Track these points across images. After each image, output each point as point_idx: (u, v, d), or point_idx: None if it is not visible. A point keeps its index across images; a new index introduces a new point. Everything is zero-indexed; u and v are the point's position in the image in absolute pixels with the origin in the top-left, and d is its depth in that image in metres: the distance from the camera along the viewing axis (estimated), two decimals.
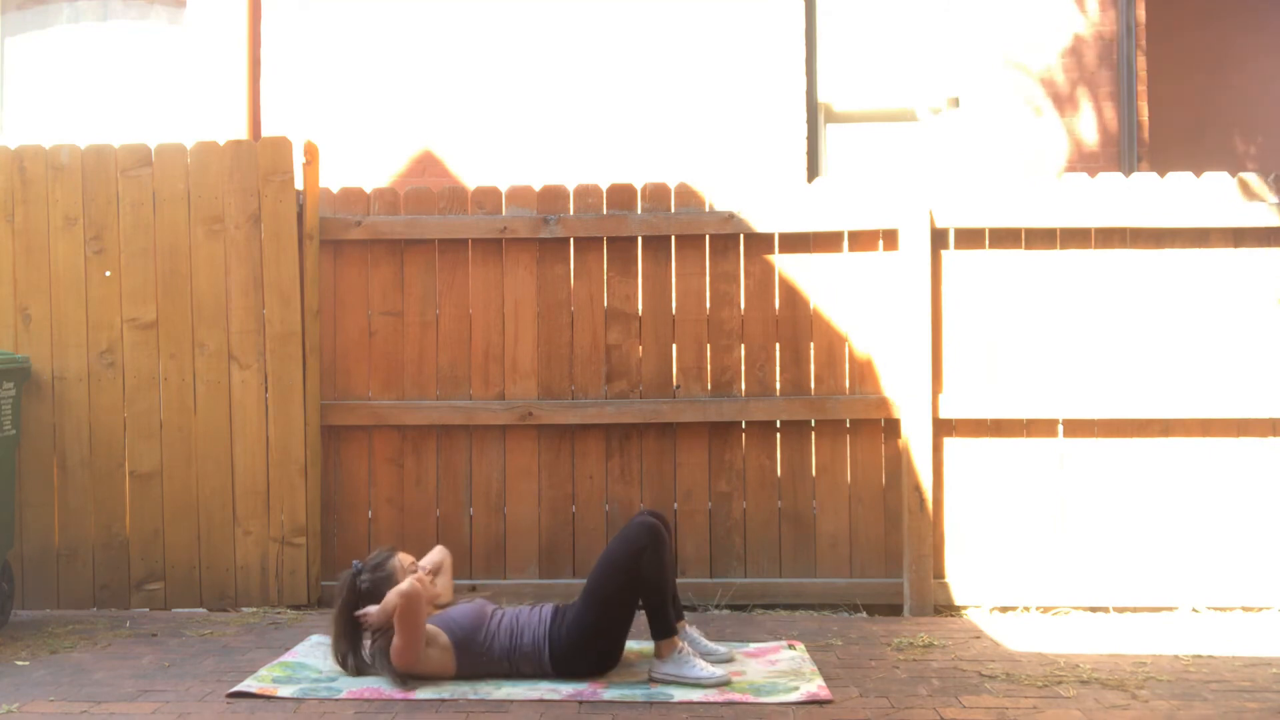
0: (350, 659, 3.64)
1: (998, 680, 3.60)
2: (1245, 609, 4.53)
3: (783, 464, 4.72)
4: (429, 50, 6.78)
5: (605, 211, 4.75)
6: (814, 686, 3.48)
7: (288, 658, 3.85)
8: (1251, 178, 4.62)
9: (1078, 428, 4.63)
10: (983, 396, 4.62)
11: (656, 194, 4.74)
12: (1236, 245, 4.64)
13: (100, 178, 4.74)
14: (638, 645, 3.90)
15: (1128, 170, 6.51)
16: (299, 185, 4.75)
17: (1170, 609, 4.53)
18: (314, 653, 3.93)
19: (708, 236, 4.74)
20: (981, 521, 4.64)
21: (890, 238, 4.69)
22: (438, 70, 6.77)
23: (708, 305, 4.74)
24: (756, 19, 6.69)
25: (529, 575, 4.73)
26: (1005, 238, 4.68)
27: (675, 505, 4.72)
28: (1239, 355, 4.60)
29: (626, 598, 3.56)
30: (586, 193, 4.76)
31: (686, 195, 4.74)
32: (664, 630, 3.57)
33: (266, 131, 6.68)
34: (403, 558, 3.68)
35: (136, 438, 4.70)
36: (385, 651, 3.54)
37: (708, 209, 4.73)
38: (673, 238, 4.74)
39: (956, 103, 6.74)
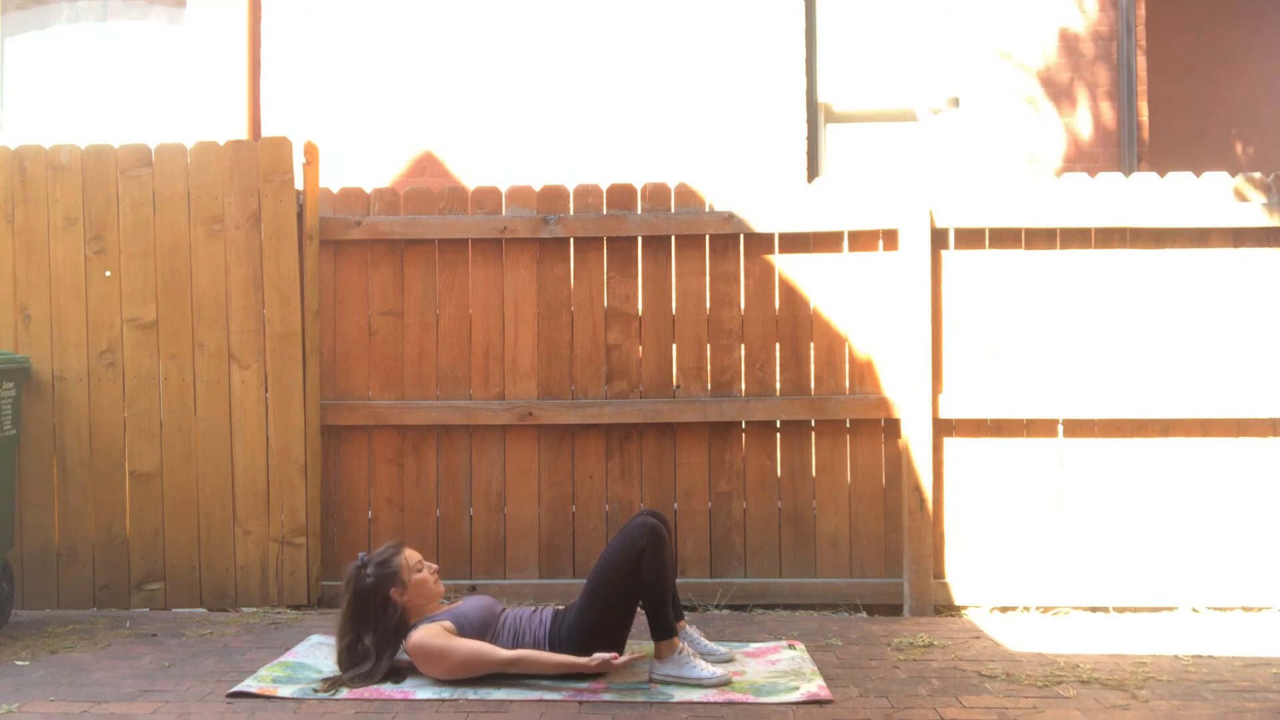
0: (350, 655, 3.57)
1: (998, 680, 3.60)
2: (1245, 609, 4.53)
3: (783, 464, 4.72)
4: (429, 50, 6.79)
5: (605, 211, 4.75)
6: (814, 686, 3.48)
7: (288, 658, 3.85)
8: (1252, 178, 4.62)
9: (1077, 428, 4.63)
10: (983, 396, 4.62)
11: (656, 194, 4.74)
12: (1236, 245, 4.64)
13: (100, 178, 4.74)
14: (637, 645, 3.89)
15: (1127, 170, 6.51)
16: (299, 185, 4.75)
17: (1170, 609, 4.53)
18: (314, 653, 3.93)
19: (708, 236, 4.74)
20: (981, 521, 4.64)
21: (890, 238, 4.69)
22: (438, 70, 6.77)
23: (708, 305, 4.74)
24: (756, 19, 6.69)
25: (529, 575, 4.73)
26: (1005, 238, 4.68)
27: (675, 505, 4.72)
28: (1239, 355, 4.60)
29: (626, 598, 3.56)
30: (586, 193, 4.76)
31: (686, 195, 4.74)
32: (664, 631, 3.57)
33: (266, 131, 6.68)
34: (409, 555, 3.65)
35: (136, 438, 4.71)
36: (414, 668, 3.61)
37: (708, 209, 4.73)
38: (673, 238, 4.74)
39: (956, 103, 6.74)
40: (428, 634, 3.52)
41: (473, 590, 4.62)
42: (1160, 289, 4.64)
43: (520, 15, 6.77)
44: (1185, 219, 4.59)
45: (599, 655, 3.48)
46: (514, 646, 3.58)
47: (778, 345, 4.73)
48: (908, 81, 6.78)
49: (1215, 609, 4.53)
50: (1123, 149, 6.56)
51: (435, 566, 3.72)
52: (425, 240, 4.77)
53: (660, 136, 6.66)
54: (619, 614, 3.57)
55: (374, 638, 3.57)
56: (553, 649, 3.56)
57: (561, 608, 3.72)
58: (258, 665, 3.80)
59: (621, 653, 3.61)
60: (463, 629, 3.55)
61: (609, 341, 4.76)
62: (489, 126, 6.73)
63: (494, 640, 3.59)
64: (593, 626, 3.56)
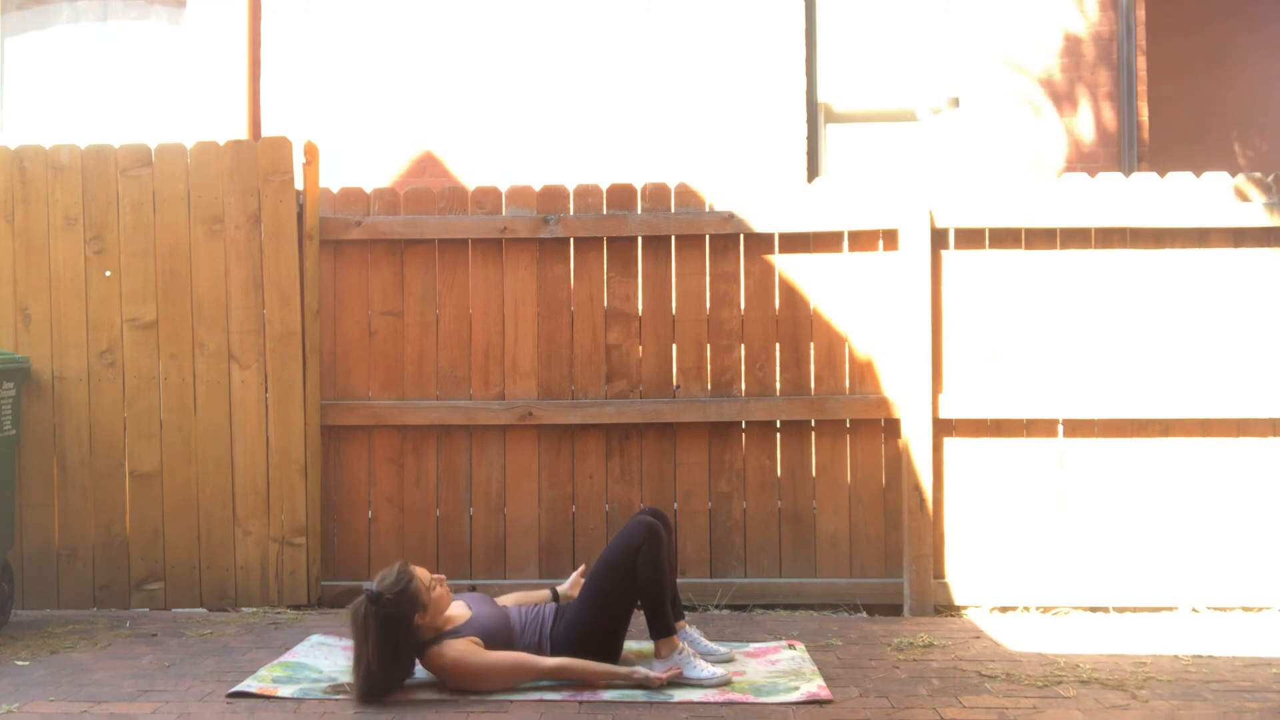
0: (371, 680, 3.38)
1: (998, 680, 3.60)
2: (1245, 609, 4.53)
3: (783, 464, 4.72)
4: (429, 50, 6.79)
5: (605, 211, 4.75)
6: (814, 686, 3.48)
7: (288, 658, 3.85)
8: (1252, 178, 4.62)
9: (1078, 428, 4.63)
10: (983, 396, 4.62)
11: (656, 194, 4.74)
12: (1236, 245, 4.64)
13: (100, 178, 4.74)
14: (637, 645, 3.90)
15: (1127, 170, 6.51)
16: (299, 185, 4.75)
17: (1170, 609, 4.53)
18: (314, 653, 3.93)
19: (708, 236, 4.74)
20: (981, 521, 4.64)
21: (890, 238, 4.69)
22: (438, 70, 6.77)
23: (708, 305, 4.74)
24: (756, 19, 6.69)
25: (529, 575, 4.73)
26: (1005, 238, 4.68)
27: (675, 505, 4.72)
28: (1239, 355, 4.60)
29: (624, 597, 3.56)
30: (586, 193, 4.76)
31: (686, 195, 4.74)
32: (663, 630, 3.56)
33: (266, 131, 6.68)
34: (422, 575, 3.46)
35: (136, 438, 4.70)
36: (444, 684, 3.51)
37: (708, 209, 4.73)
38: (673, 238, 4.74)
39: (956, 103, 6.74)
40: (463, 653, 3.42)
41: (472, 590, 4.61)
42: (1160, 289, 4.64)
43: (520, 15, 6.77)
44: (1185, 219, 4.59)
45: (641, 670, 3.49)
46: (523, 645, 3.57)
47: (778, 345, 4.73)
48: (908, 81, 6.78)
49: (1215, 609, 4.53)
50: (1123, 149, 6.56)
51: (443, 577, 3.57)
52: (425, 240, 4.77)
53: (660, 136, 6.65)
54: (617, 612, 3.57)
55: (396, 664, 3.43)
56: (553, 648, 3.56)
57: (562, 604, 3.71)
58: (258, 665, 3.79)
59: (620, 651, 3.61)
60: (488, 641, 3.50)
61: (609, 341, 4.76)
62: (489, 126, 6.73)
63: (517, 646, 3.56)
64: (591, 625, 3.56)
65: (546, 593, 3.92)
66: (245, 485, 4.69)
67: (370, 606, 3.36)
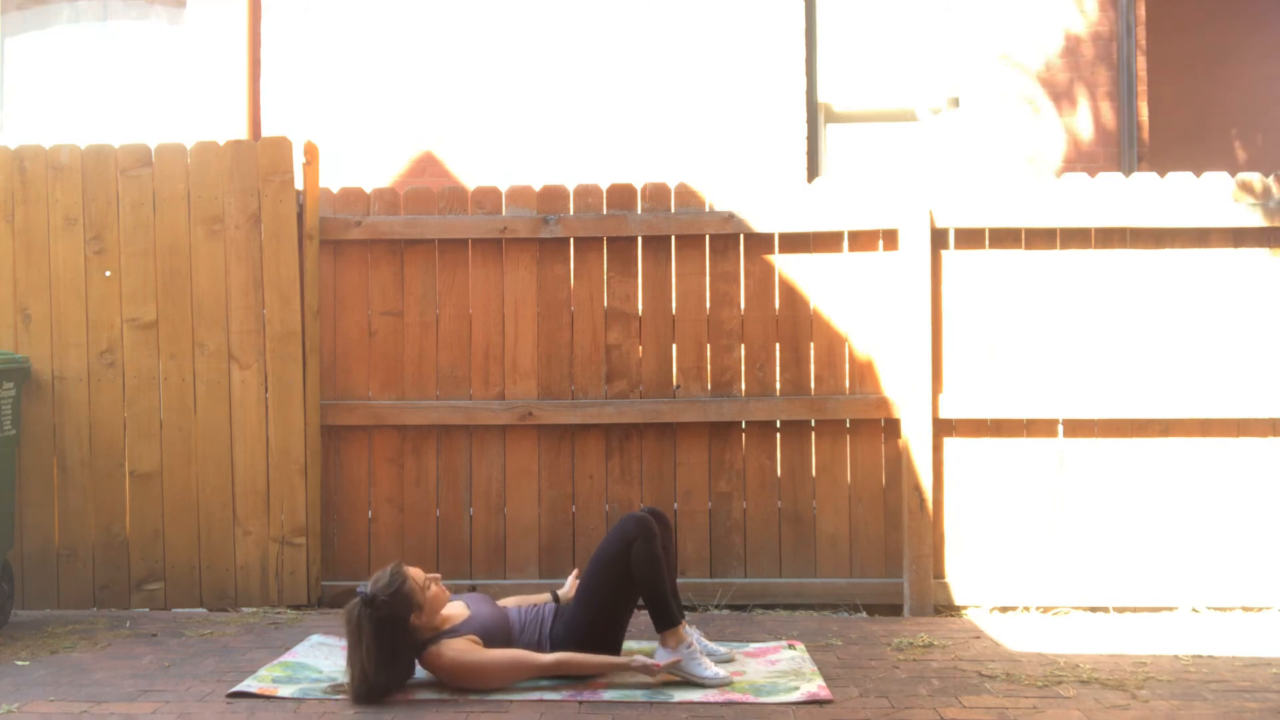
0: (368, 683, 3.37)
1: (998, 680, 3.60)
2: (1245, 609, 4.53)
3: (783, 464, 4.72)
4: (429, 50, 6.79)
5: (605, 211, 4.75)
6: (814, 686, 3.48)
7: (288, 658, 3.85)
8: (1251, 178, 4.62)
9: (1078, 428, 4.63)
10: (983, 396, 4.62)
11: (656, 194, 4.74)
12: (1236, 245, 4.64)
13: (100, 178, 4.74)
14: (638, 645, 3.90)
15: (1127, 170, 6.51)
16: (299, 185, 4.76)
17: (1170, 609, 4.53)
18: (314, 653, 3.93)
19: (708, 236, 4.74)
20: (981, 521, 4.64)
21: (890, 238, 4.69)
22: (438, 70, 6.77)
23: (708, 305, 4.74)
24: (756, 19, 6.69)
25: (529, 575, 4.73)
26: (1005, 238, 4.68)
27: (675, 505, 4.72)
28: (1239, 355, 4.60)
29: (620, 592, 3.55)
30: (586, 193, 4.76)
31: (686, 195, 4.74)
32: (668, 621, 3.53)
33: (266, 131, 6.68)
34: (415, 575, 3.44)
35: (136, 438, 4.70)
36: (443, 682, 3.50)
37: (708, 209, 4.73)
38: (673, 238, 4.74)
39: (956, 103, 6.74)
40: (460, 652, 3.41)
41: (472, 590, 4.61)
42: (1160, 289, 4.64)
43: (520, 15, 6.77)
44: (1185, 219, 4.59)
45: (640, 658, 3.49)
46: (523, 644, 3.57)
47: (778, 345, 4.73)
48: (908, 81, 6.78)
49: (1215, 609, 4.53)
50: (1123, 149, 6.56)
51: (438, 576, 3.56)
52: (425, 240, 4.77)
53: (660, 136, 6.66)
54: (614, 609, 3.56)
55: (395, 665, 3.42)
56: (553, 648, 3.56)
57: (561, 604, 3.71)
58: (258, 665, 3.80)
59: (619, 649, 3.61)
60: (486, 640, 3.50)
61: (609, 341, 4.76)
62: (489, 126, 6.73)
63: (516, 645, 3.55)
64: (590, 623, 3.55)
65: (546, 595, 3.92)
66: (245, 485, 4.69)
67: (364, 609, 3.35)
